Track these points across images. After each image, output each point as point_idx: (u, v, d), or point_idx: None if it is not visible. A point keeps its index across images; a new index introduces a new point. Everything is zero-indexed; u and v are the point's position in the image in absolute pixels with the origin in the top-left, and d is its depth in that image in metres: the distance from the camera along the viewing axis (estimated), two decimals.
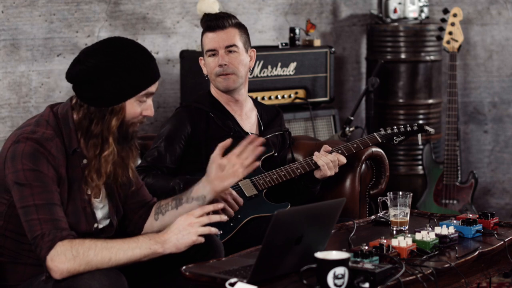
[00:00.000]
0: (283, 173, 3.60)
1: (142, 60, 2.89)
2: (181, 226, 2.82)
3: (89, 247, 2.73)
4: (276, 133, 3.78)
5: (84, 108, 2.89)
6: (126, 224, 3.15)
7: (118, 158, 2.96)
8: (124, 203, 3.13)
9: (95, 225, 2.97)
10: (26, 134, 2.86)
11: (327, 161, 3.60)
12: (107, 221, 3.05)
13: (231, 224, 3.49)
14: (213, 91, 3.73)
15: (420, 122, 3.71)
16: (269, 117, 3.82)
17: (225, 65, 3.60)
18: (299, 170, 3.60)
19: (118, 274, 2.79)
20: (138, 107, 2.91)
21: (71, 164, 2.91)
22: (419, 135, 3.93)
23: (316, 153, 3.64)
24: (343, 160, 3.64)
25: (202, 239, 2.84)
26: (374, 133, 3.75)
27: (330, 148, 3.66)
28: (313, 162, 3.61)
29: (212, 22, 3.63)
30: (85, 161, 2.93)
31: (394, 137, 3.76)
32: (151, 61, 2.92)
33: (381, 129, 3.78)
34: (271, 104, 3.96)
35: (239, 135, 3.64)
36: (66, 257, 2.71)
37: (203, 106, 3.67)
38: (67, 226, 2.80)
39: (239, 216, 3.49)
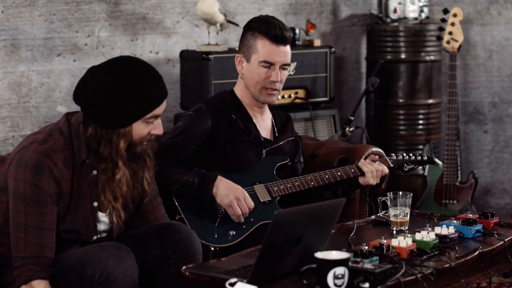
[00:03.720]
0: (296, 183, 3.58)
1: (148, 82, 2.86)
2: None
3: None
4: (289, 139, 3.76)
5: (92, 127, 2.88)
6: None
7: (131, 174, 2.97)
8: (133, 214, 3.13)
9: (94, 237, 2.98)
10: (37, 143, 2.85)
11: (372, 169, 3.61)
12: (106, 233, 3.05)
13: (244, 226, 3.47)
14: (240, 92, 3.66)
15: (427, 155, 3.82)
16: (282, 122, 3.80)
17: (277, 82, 3.56)
18: (312, 183, 3.58)
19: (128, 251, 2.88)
20: (145, 128, 2.91)
21: (79, 176, 2.91)
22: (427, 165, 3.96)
23: (362, 160, 3.65)
24: (386, 170, 3.66)
25: None
26: (386, 157, 3.78)
27: (377, 158, 3.67)
28: (334, 174, 3.60)
29: (278, 33, 3.54)
30: (94, 172, 2.93)
31: (405, 164, 3.77)
32: (157, 83, 2.90)
33: (392, 154, 3.79)
34: (281, 110, 3.93)
35: (258, 140, 3.63)
36: None
37: (225, 107, 3.61)
38: (51, 255, 2.84)
39: (252, 219, 3.48)
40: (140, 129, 2.89)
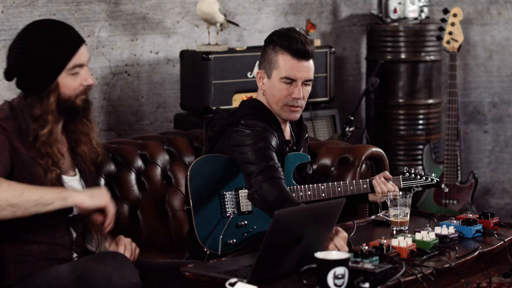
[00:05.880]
0: (308, 193, 3.45)
1: (57, 33, 2.92)
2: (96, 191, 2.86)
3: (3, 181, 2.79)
4: (304, 137, 3.64)
5: (28, 97, 2.95)
6: None
7: (80, 134, 3.02)
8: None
9: (70, 214, 2.96)
10: None
11: (384, 190, 3.47)
12: None
13: (245, 234, 3.39)
14: (267, 104, 3.49)
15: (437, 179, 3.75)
16: (295, 122, 3.64)
17: (299, 99, 3.41)
18: (323, 194, 3.46)
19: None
20: (74, 80, 2.94)
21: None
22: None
23: (376, 178, 3.51)
24: (397, 192, 3.52)
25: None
26: (399, 177, 3.64)
27: (391, 176, 3.54)
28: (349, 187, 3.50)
29: (300, 48, 3.37)
30: None
31: (414, 186, 3.63)
32: (66, 34, 2.93)
33: (406, 168, 3.65)
34: None
35: (292, 150, 3.53)
36: None
37: (268, 125, 3.42)
38: None
39: (255, 227, 3.40)
40: (67, 82, 2.92)
